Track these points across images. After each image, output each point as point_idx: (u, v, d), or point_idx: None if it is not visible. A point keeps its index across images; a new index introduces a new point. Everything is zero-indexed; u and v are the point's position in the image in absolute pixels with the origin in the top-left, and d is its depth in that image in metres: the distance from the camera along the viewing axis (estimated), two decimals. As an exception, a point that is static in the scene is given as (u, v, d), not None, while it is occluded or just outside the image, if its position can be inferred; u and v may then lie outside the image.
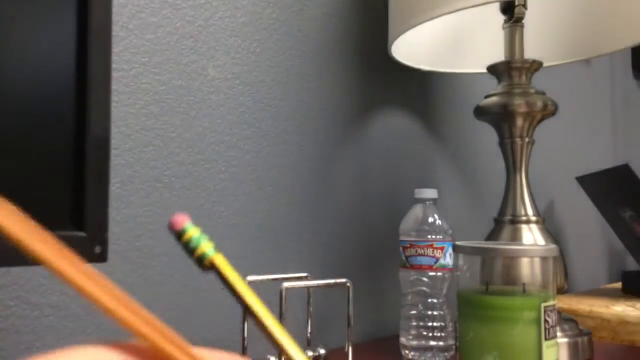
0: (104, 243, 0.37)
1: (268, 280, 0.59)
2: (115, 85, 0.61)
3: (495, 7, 0.88)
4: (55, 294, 0.56)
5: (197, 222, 0.67)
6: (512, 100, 0.76)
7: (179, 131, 0.66)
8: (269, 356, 0.56)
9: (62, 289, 0.56)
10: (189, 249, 0.25)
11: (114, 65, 0.61)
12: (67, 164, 0.36)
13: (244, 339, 0.57)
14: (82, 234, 0.36)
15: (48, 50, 0.35)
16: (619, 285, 1.38)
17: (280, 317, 0.51)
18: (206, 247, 0.25)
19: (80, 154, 0.36)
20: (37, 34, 0.34)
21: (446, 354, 0.69)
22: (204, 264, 0.25)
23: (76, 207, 0.36)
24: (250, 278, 0.58)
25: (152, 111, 0.64)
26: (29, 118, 0.34)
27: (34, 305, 0.55)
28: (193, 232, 0.25)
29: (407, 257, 0.71)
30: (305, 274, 0.62)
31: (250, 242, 0.73)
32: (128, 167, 0.62)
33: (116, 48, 0.61)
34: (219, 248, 0.69)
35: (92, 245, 0.37)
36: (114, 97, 0.61)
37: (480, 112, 0.80)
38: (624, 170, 1.10)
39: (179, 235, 0.25)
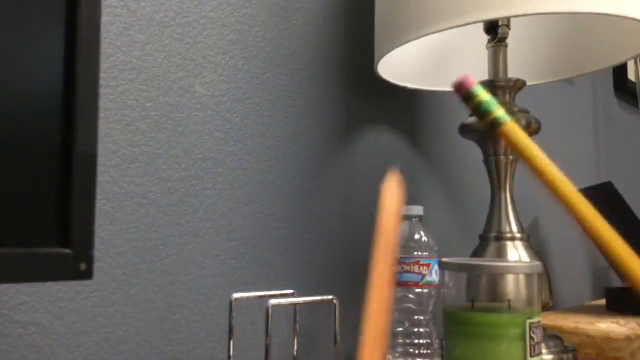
0: (89, 260, 0.37)
1: (254, 297, 0.59)
2: (102, 102, 0.61)
3: (480, 27, 0.89)
4: (39, 312, 0.55)
5: (182, 239, 0.67)
6: (497, 118, 0.77)
7: (165, 148, 0.66)
8: None
9: (46, 307, 0.56)
10: (480, 113, 0.22)
11: (101, 82, 0.61)
12: (53, 180, 0.36)
13: (229, 357, 0.56)
14: (68, 251, 0.36)
15: (36, 67, 0.35)
16: (603, 302, 1.39)
17: (267, 335, 0.51)
18: (498, 112, 0.22)
19: (67, 171, 0.36)
20: (25, 50, 0.35)
21: (433, 371, 0.69)
22: (495, 129, 0.23)
23: (62, 224, 0.36)
24: (236, 295, 0.57)
25: (138, 128, 0.64)
26: (15, 134, 0.34)
27: (17, 323, 0.54)
28: (483, 95, 0.22)
29: (393, 274, 0.71)
30: (291, 291, 0.62)
31: (237, 259, 0.72)
32: (114, 183, 0.62)
33: (104, 65, 0.61)
34: (205, 265, 0.69)
35: (77, 262, 0.36)
36: (101, 114, 0.61)
37: (466, 130, 0.81)
38: (607, 188, 1.11)
39: (466, 98, 0.22)
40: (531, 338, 0.50)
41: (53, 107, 0.36)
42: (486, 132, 0.78)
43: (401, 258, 0.70)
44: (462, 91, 0.22)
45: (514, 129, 0.22)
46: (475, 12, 0.64)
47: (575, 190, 0.22)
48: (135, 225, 0.63)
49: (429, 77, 0.95)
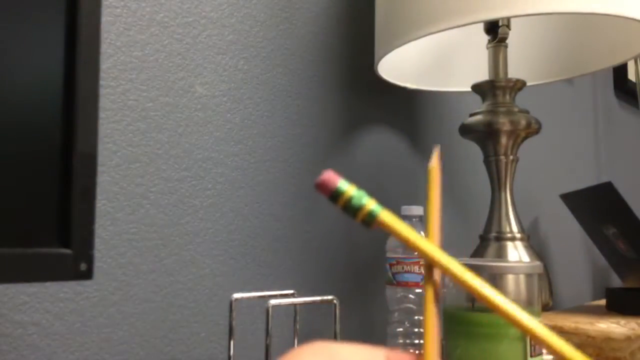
0: (89, 260, 0.37)
1: (254, 297, 0.59)
2: (102, 102, 0.61)
3: (480, 27, 0.89)
4: (38, 312, 0.55)
5: (182, 239, 0.67)
6: (497, 118, 0.77)
7: (165, 148, 0.66)
8: None
9: (46, 307, 0.56)
10: (351, 211, 0.22)
11: (101, 82, 0.61)
12: (53, 180, 0.36)
13: (229, 357, 0.56)
14: (68, 251, 0.36)
15: (36, 67, 0.35)
16: (603, 302, 1.39)
17: (267, 335, 0.51)
18: (370, 205, 0.22)
19: (67, 171, 0.36)
20: (25, 50, 0.35)
21: (433, 371, 0.69)
22: (370, 223, 0.22)
23: (62, 224, 0.36)
24: (236, 295, 0.57)
25: (138, 128, 0.64)
26: (16, 134, 0.34)
27: (17, 323, 0.54)
28: (350, 190, 0.22)
29: (393, 274, 0.71)
30: (291, 291, 0.62)
31: (237, 259, 0.72)
32: (114, 183, 0.62)
33: (104, 65, 0.61)
34: (205, 265, 0.69)
35: (77, 262, 0.36)
36: (101, 114, 0.61)
37: (466, 130, 0.81)
38: (607, 188, 1.11)
39: (333, 197, 0.22)
40: (531, 338, 0.50)
41: (53, 107, 0.36)
42: (486, 133, 0.78)
43: (401, 258, 0.70)
44: (327, 191, 0.22)
45: (389, 217, 0.22)
46: (475, 12, 0.64)
47: (464, 268, 0.24)
48: (135, 225, 0.63)
49: (429, 77, 0.95)
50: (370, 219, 0.22)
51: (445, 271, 0.24)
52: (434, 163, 0.24)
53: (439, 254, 0.23)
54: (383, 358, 0.23)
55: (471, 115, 0.82)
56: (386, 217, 0.22)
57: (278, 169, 0.78)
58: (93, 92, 0.37)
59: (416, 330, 0.69)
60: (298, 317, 0.61)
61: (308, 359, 0.21)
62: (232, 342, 0.56)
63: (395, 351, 0.24)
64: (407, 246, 0.23)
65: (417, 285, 0.70)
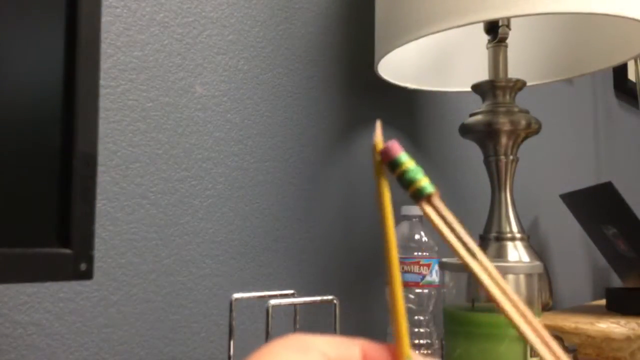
0: (89, 260, 0.37)
1: (254, 297, 0.59)
2: (102, 102, 0.61)
3: (480, 27, 0.89)
4: (39, 312, 0.55)
5: (182, 239, 0.67)
6: (497, 118, 0.77)
7: (165, 148, 0.66)
8: None
9: (46, 307, 0.56)
10: (404, 182, 0.23)
11: (101, 82, 0.61)
12: (53, 180, 0.36)
13: (229, 357, 0.56)
14: (68, 251, 0.36)
15: (36, 67, 0.35)
16: (603, 302, 1.39)
17: (267, 335, 0.51)
18: (423, 181, 0.23)
19: (67, 171, 0.36)
20: (25, 50, 0.34)
21: (433, 371, 0.69)
22: (419, 200, 0.23)
23: (62, 224, 0.36)
24: (236, 295, 0.57)
25: (138, 128, 0.64)
26: (16, 134, 0.34)
27: (17, 323, 0.54)
28: (408, 163, 0.23)
29: (393, 274, 0.71)
30: (291, 291, 0.62)
31: (237, 259, 0.72)
32: (114, 183, 0.62)
33: (104, 65, 0.61)
34: (205, 265, 0.69)
35: (77, 262, 0.36)
36: (101, 114, 0.61)
37: (466, 130, 0.81)
38: (607, 188, 1.11)
39: (392, 165, 0.23)
40: (531, 338, 0.49)
41: (53, 107, 0.36)
42: (486, 133, 0.78)
43: (401, 258, 0.70)
44: (387, 158, 0.23)
45: (437, 200, 0.23)
46: (475, 12, 0.64)
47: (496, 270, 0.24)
48: (135, 225, 0.63)
49: (429, 77, 0.95)
50: (418, 195, 0.23)
51: (481, 268, 0.24)
52: (378, 137, 0.25)
53: (474, 247, 0.24)
54: (358, 348, 0.23)
55: (471, 115, 0.82)
56: (435, 199, 0.24)
57: (278, 169, 0.78)
58: (93, 92, 0.37)
59: (416, 330, 0.69)
60: (298, 317, 0.61)
61: (282, 352, 0.21)
62: (232, 342, 0.56)
63: (370, 342, 0.24)
64: (437, 230, 0.24)
65: (417, 285, 0.70)
